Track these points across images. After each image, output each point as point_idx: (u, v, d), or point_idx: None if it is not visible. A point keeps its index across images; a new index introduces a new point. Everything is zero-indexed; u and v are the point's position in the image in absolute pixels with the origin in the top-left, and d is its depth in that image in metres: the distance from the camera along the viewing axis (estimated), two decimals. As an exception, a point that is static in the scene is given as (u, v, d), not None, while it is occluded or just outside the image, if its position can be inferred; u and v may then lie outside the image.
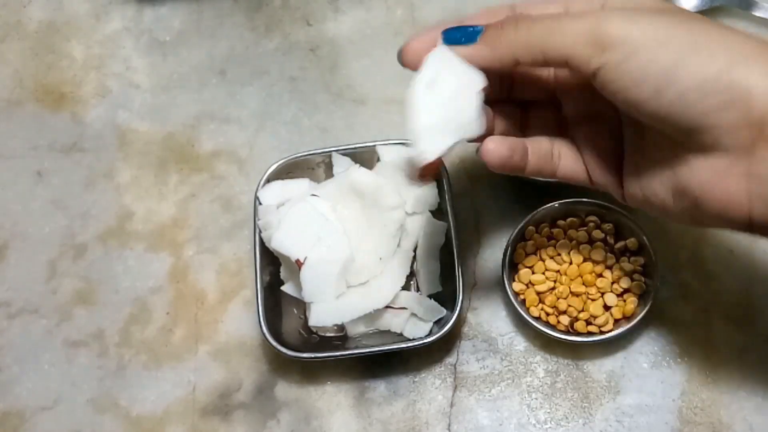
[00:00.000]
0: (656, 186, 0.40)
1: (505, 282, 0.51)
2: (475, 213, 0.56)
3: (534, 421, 0.50)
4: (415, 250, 0.53)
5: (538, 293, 0.51)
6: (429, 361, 0.52)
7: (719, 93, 0.35)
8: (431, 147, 0.39)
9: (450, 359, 0.52)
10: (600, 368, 0.51)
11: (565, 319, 0.50)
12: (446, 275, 0.52)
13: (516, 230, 0.52)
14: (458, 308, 0.49)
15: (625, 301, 0.50)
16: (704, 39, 0.36)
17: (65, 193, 0.59)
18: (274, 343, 0.49)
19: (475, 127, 0.40)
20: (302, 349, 0.49)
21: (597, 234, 0.52)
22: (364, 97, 0.61)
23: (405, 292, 0.51)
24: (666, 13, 0.37)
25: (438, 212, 0.53)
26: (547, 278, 0.51)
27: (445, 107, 0.39)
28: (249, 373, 0.53)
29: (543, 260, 0.52)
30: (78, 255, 0.57)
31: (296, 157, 0.54)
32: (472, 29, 0.40)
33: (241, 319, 0.54)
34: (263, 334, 0.49)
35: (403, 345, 0.49)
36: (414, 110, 0.39)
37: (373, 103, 0.60)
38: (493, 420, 0.50)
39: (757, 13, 0.60)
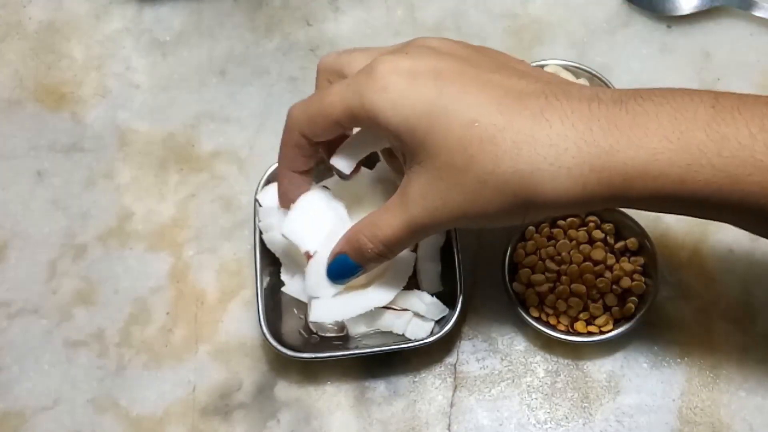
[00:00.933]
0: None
1: (505, 282, 0.51)
2: (475, 213, 0.56)
3: (534, 421, 0.50)
4: (415, 250, 0.53)
5: (538, 293, 0.51)
6: (429, 361, 0.52)
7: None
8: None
9: (450, 359, 0.52)
10: (600, 368, 0.51)
11: (565, 319, 0.50)
12: (446, 275, 0.52)
13: (516, 230, 0.52)
14: (458, 308, 0.49)
15: (625, 301, 0.50)
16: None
17: (65, 193, 0.59)
18: (274, 344, 0.49)
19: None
20: (302, 349, 0.49)
21: (597, 234, 0.52)
22: (364, 97, 0.60)
23: (407, 291, 0.51)
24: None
25: (438, 212, 0.53)
26: (547, 278, 0.51)
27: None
28: (249, 373, 0.53)
29: (543, 260, 0.52)
30: (78, 255, 0.57)
31: (296, 157, 0.54)
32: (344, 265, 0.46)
33: (241, 319, 0.54)
34: (263, 334, 0.49)
35: (404, 345, 0.49)
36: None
37: (373, 103, 0.60)
38: (493, 420, 0.50)
39: (757, 13, 0.60)
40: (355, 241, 0.45)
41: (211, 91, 0.62)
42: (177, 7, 0.65)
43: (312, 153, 0.46)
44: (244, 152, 0.59)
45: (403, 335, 0.50)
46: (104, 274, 0.56)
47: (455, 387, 0.52)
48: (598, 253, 0.51)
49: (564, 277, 0.51)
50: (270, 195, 0.53)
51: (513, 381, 0.51)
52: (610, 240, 0.52)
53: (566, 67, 0.57)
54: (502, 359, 0.52)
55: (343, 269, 0.46)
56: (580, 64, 0.57)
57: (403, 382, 0.52)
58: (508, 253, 0.52)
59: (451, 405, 0.51)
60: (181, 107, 0.61)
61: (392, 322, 0.50)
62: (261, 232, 0.51)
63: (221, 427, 0.51)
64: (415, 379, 0.52)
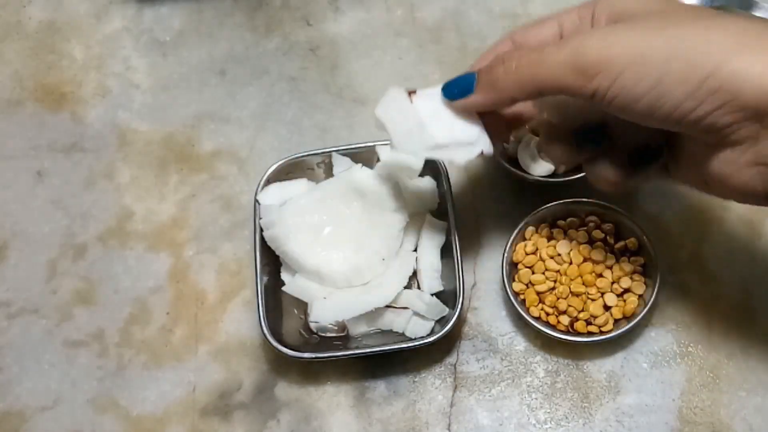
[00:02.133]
0: (689, 177, 0.41)
1: (505, 282, 0.51)
2: (475, 213, 0.56)
3: (534, 421, 0.50)
4: (415, 250, 0.53)
5: (538, 293, 0.51)
6: (429, 361, 0.52)
7: (710, 97, 0.35)
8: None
9: (450, 359, 0.52)
10: (600, 368, 0.51)
11: (565, 319, 0.50)
12: (447, 275, 0.52)
13: (516, 230, 0.52)
14: (459, 308, 0.49)
15: (625, 301, 0.50)
16: (687, 42, 0.36)
17: (65, 193, 0.59)
18: (275, 343, 0.49)
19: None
20: (302, 349, 0.49)
21: (597, 234, 0.52)
22: (364, 97, 0.61)
23: (408, 291, 0.51)
24: (649, 18, 0.38)
25: (438, 212, 0.53)
26: (547, 278, 0.51)
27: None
28: (249, 373, 0.53)
29: (543, 260, 0.52)
30: (78, 255, 0.57)
31: (296, 158, 0.54)
32: (465, 80, 0.41)
33: (241, 319, 0.54)
34: (264, 334, 0.49)
35: (404, 345, 0.49)
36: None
37: (373, 103, 0.60)
38: (493, 420, 0.50)
39: (758, 13, 0.60)
40: (498, 60, 0.40)
41: (211, 91, 0.62)
42: (177, 7, 0.65)
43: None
44: (244, 152, 0.59)
45: (403, 335, 0.50)
46: (104, 274, 0.56)
47: (455, 387, 0.52)
48: (598, 253, 0.51)
49: (564, 277, 0.51)
50: (270, 194, 0.53)
51: (513, 381, 0.51)
52: (610, 240, 0.52)
53: (566, 67, 0.57)
54: (502, 359, 0.52)
55: (462, 83, 0.41)
56: (580, 64, 0.57)
57: (403, 382, 0.52)
58: (508, 253, 0.52)
59: (451, 405, 0.51)
60: (181, 107, 0.61)
61: (392, 320, 0.50)
62: (261, 231, 0.52)
63: (221, 427, 0.51)
64: (415, 379, 0.52)
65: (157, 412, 0.52)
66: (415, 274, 0.52)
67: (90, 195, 0.59)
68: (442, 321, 0.50)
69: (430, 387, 0.52)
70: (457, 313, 0.49)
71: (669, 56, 0.35)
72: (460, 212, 0.53)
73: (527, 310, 0.51)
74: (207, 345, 0.54)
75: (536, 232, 0.52)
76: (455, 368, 0.52)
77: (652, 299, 0.49)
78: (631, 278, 0.50)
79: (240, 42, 0.63)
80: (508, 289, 0.51)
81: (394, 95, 0.44)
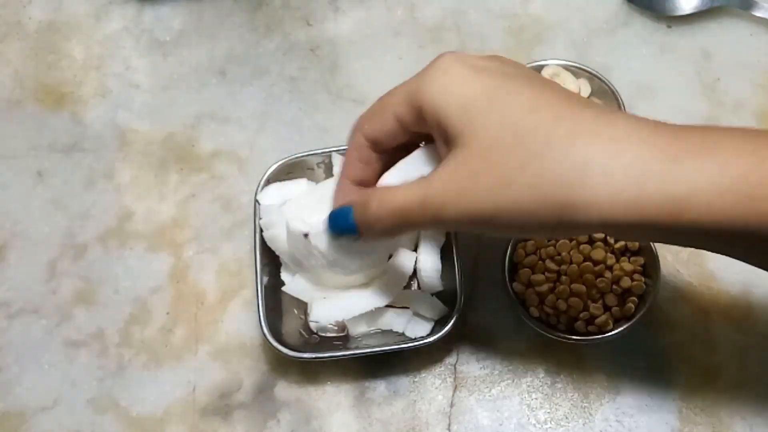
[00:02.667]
0: None
1: (506, 282, 0.51)
2: (475, 213, 0.56)
3: (534, 421, 0.50)
4: (415, 250, 0.53)
5: (538, 293, 0.51)
6: (429, 361, 0.52)
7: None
8: None
9: (450, 359, 0.52)
10: (600, 368, 0.51)
11: (565, 319, 0.50)
12: (447, 275, 0.52)
13: None
14: (459, 308, 0.49)
15: (625, 301, 0.50)
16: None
17: (65, 193, 0.59)
18: (275, 343, 0.49)
19: None
20: (302, 349, 0.49)
21: (597, 234, 0.52)
22: (364, 97, 0.61)
23: (407, 291, 0.51)
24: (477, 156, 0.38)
25: (438, 212, 0.53)
26: (547, 278, 0.51)
27: None
28: (249, 373, 0.53)
29: (543, 260, 0.52)
30: (78, 255, 0.57)
31: (296, 158, 0.54)
32: (344, 219, 0.42)
33: (241, 319, 0.54)
34: (263, 334, 0.49)
35: (404, 345, 0.49)
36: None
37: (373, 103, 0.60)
38: (493, 420, 0.50)
39: (757, 13, 0.60)
40: (365, 197, 0.41)
41: (211, 91, 0.62)
42: (177, 7, 0.65)
43: (369, 159, 0.43)
44: (244, 152, 0.59)
45: (403, 335, 0.50)
46: (104, 274, 0.56)
47: (455, 387, 0.52)
48: (598, 253, 0.51)
49: (564, 277, 0.51)
50: (270, 194, 0.53)
51: (513, 381, 0.51)
52: (610, 240, 0.52)
53: (566, 67, 0.57)
54: (502, 359, 0.52)
55: (341, 222, 0.43)
56: (580, 64, 0.57)
57: (403, 382, 0.52)
58: (508, 253, 0.52)
59: (451, 405, 0.51)
60: (181, 107, 0.61)
61: (392, 320, 0.50)
62: (261, 231, 0.52)
63: (221, 427, 0.51)
64: (415, 379, 0.52)
65: (157, 412, 0.52)
66: (415, 274, 0.52)
67: (90, 195, 0.59)
68: (442, 321, 0.50)
69: (430, 387, 0.52)
70: (457, 313, 0.49)
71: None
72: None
73: (527, 311, 0.51)
74: (207, 345, 0.54)
75: None
76: (455, 368, 0.52)
77: (652, 299, 0.49)
78: (631, 278, 0.50)
79: (240, 42, 0.63)
80: (508, 289, 0.51)
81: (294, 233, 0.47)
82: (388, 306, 0.50)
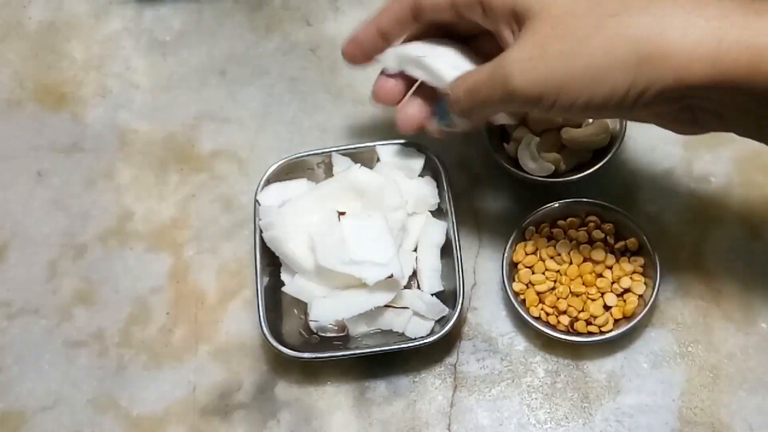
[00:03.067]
0: None
1: (505, 282, 0.51)
2: (475, 213, 0.56)
3: (534, 421, 0.50)
4: (415, 250, 0.53)
5: (538, 293, 0.51)
6: (429, 361, 0.52)
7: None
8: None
9: (450, 359, 0.52)
10: (600, 368, 0.51)
11: (565, 319, 0.50)
12: (447, 275, 0.52)
13: (516, 230, 0.52)
14: (459, 308, 0.49)
15: (625, 301, 0.50)
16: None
17: (65, 193, 0.59)
18: (275, 343, 0.49)
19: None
20: (302, 349, 0.49)
21: (597, 234, 0.52)
22: (364, 97, 0.60)
23: (407, 291, 0.51)
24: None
25: (438, 212, 0.53)
26: (547, 278, 0.51)
27: None
28: (249, 373, 0.53)
29: (543, 260, 0.52)
30: (78, 255, 0.57)
31: (296, 157, 0.54)
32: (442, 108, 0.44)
33: (241, 319, 0.54)
34: (263, 334, 0.49)
35: (404, 345, 0.49)
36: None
37: (373, 103, 0.60)
38: (493, 420, 0.50)
39: (757, 13, 0.60)
40: (450, 85, 0.43)
41: (211, 91, 0.62)
42: (177, 7, 0.65)
43: (404, 21, 0.44)
44: (244, 152, 0.59)
45: (403, 334, 0.50)
46: (104, 274, 0.56)
47: (455, 387, 0.51)
48: (598, 254, 0.51)
49: (564, 277, 0.51)
50: (270, 194, 0.53)
51: (513, 381, 0.51)
52: (610, 240, 0.52)
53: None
54: (502, 359, 0.52)
55: (441, 109, 0.45)
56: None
57: (403, 382, 0.52)
58: (508, 253, 0.52)
59: (451, 405, 0.51)
60: (181, 107, 0.61)
61: (392, 320, 0.50)
62: (261, 232, 0.52)
63: (221, 427, 0.51)
64: (415, 379, 0.52)
65: (157, 412, 0.52)
66: (415, 274, 0.52)
67: (90, 195, 0.59)
68: (442, 321, 0.50)
69: (430, 387, 0.52)
70: (457, 313, 0.49)
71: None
72: (460, 212, 0.53)
73: (527, 311, 0.51)
74: (207, 345, 0.54)
75: (536, 232, 0.52)
76: (455, 368, 0.52)
77: (652, 299, 0.49)
78: (631, 278, 0.50)
79: (240, 42, 0.63)
80: (508, 289, 0.51)
81: (328, 213, 0.50)
82: (388, 306, 0.50)
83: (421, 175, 0.54)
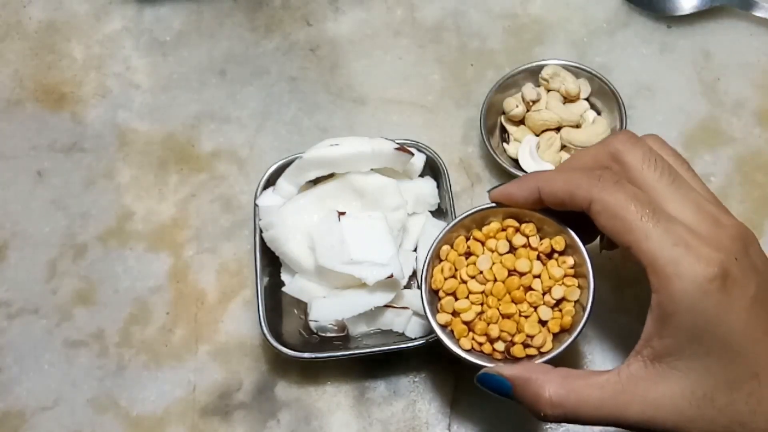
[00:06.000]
0: None
1: (429, 317, 0.44)
2: (475, 213, 0.56)
3: (534, 421, 0.50)
4: (415, 250, 0.53)
5: (465, 322, 0.44)
6: (429, 360, 0.52)
7: None
8: None
9: (450, 359, 0.52)
10: (600, 368, 0.51)
11: (500, 345, 0.43)
12: (446, 275, 0.52)
13: (429, 252, 0.45)
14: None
15: (561, 311, 0.43)
16: None
17: (65, 193, 0.59)
18: (275, 343, 0.49)
19: None
20: (302, 349, 0.49)
21: (517, 240, 0.44)
22: (364, 97, 0.61)
23: (407, 291, 0.51)
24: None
25: (438, 212, 0.53)
26: (472, 303, 0.44)
27: None
28: (249, 373, 0.53)
29: (465, 282, 0.44)
30: (78, 255, 0.57)
31: (296, 158, 0.54)
32: (501, 384, 0.41)
33: (241, 319, 0.54)
34: (263, 334, 0.49)
35: (404, 345, 0.49)
36: None
37: (373, 103, 0.60)
38: (493, 420, 0.50)
39: (757, 13, 0.60)
40: (524, 381, 0.40)
41: (211, 91, 0.62)
42: (177, 7, 0.65)
43: (534, 198, 0.42)
44: (244, 152, 0.59)
45: (403, 334, 0.50)
46: (104, 274, 0.56)
47: (455, 387, 0.51)
48: (523, 263, 0.43)
49: (491, 298, 0.43)
50: (270, 194, 0.53)
51: (513, 381, 0.51)
52: (534, 243, 0.44)
53: (566, 67, 0.57)
54: (502, 359, 0.52)
55: (497, 387, 0.42)
56: (580, 64, 0.57)
57: (403, 382, 0.52)
58: (425, 280, 0.44)
59: (451, 405, 0.51)
60: (181, 107, 0.61)
61: (392, 320, 0.50)
62: (261, 232, 0.52)
63: (221, 427, 0.51)
64: (415, 379, 0.52)
65: (157, 412, 0.52)
66: (415, 274, 0.52)
67: (90, 195, 0.59)
68: (442, 321, 0.50)
69: (430, 387, 0.52)
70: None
71: None
72: (460, 212, 0.53)
73: (457, 343, 0.44)
74: (207, 345, 0.54)
75: (451, 248, 0.45)
76: (455, 368, 0.52)
77: (590, 302, 0.42)
78: (563, 285, 0.43)
79: (240, 42, 0.63)
80: (433, 325, 0.44)
81: (328, 213, 0.50)
82: (388, 306, 0.50)
83: (421, 175, 0.54)
